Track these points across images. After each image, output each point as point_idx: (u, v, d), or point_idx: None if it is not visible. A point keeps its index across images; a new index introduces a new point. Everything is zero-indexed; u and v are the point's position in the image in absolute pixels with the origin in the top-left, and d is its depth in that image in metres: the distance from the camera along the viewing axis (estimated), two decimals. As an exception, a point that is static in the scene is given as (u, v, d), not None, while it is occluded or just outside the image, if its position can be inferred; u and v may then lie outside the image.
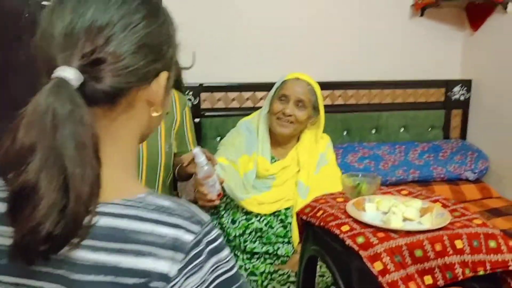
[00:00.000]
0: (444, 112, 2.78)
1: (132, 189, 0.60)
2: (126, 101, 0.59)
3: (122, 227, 0.55)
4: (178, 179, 1.66)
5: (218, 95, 2.43)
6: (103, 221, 0.55)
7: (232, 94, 2.45)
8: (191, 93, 2.36)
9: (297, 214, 1.32)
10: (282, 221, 1.65)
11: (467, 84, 2.78)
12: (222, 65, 2.44)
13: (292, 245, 1.64)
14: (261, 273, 1.58)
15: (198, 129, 2.40)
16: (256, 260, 1.64)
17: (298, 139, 1.74)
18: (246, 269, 1.59)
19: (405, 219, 1.15)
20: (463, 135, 2.84)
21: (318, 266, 1.41)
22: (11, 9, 1.58)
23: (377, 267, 1.01)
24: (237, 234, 1.63)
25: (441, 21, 2.75)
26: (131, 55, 0.57)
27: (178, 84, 1.66)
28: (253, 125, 1.74)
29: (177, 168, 1.57)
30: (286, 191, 1.66)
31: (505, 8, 2.47)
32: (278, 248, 1.63)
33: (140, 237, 0.55)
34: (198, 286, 0.55)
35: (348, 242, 1.06)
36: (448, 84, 2.76)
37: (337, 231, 1.11)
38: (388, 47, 2.68)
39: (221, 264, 0.57)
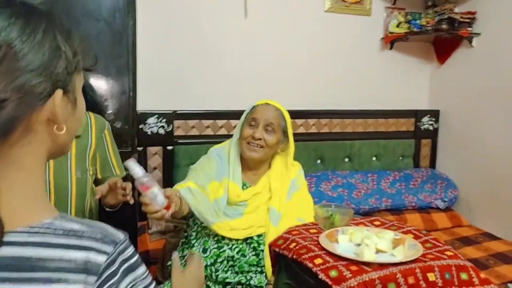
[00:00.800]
0: (414, 141, 2.85)
1: (37, 215, 0.57)
2: (21, 127, 0.56)
3: (28, 256, 0.54)
4: (108, 208, 1.57)
5: (192, 122, 2.41)
6: (5, 251, 0.53)
7: (206, 122, 2.44)
8: (164, 120, 2.34)
9: (270, 246, 1.29)
10: (254, 249, 1.61)
11: (435, 114, 2.87)
12: (196, 93, 2.45)
13: (265, 275, 1.60)
14: None
15: (171, 157, 2.37)
16: None
17: (269, 166, 1.74)
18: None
19: (378, 251, 1.14)
20: (432, 163, 2.91)
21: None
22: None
23: (350, 301, 0.99)
24: (209, 263, 1.58)
25: (409, 54, 2.85)
26: (5, 90, 0.52)
27: (96, 106, 1.60)
28: (225, 151, 1.73)
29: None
30: (258, 217, 1.63)
31: (470, 42, 2.59)
32: (251, 277, 1.58)
33: (49, 264, 0.54)
34: None
35: (321, 276, 1.04)
36: (417, 114, 2.84)
37: (310, 265, 1.08)
38: (359, 78, 2.75)
39: (138, 282, 0.57)
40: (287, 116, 1.71)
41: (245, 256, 1.59)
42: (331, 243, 1.18)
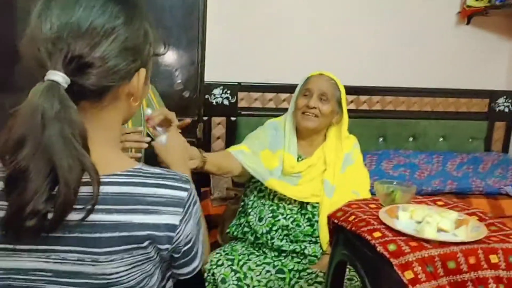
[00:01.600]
0: (487, 123, 2.70)
1: (129, 163, 0.72)
2: (111, 95, 0.68)
3: (129, 192, 0.68)
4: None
5: (255, 95, 2.46)
6: (111, 189, 0.67)
7: (269, 95, 2.47)
8: (229, 91, 2.40)
9: (329, 217, 1.32)
10: (309, 219, 1.65)
11: (512, 95, 2.68)
12: (260, 66, 2.48)
13: (320, 245, 1.64)
14: (290, 270, 1.59)
15: (234, 128, 2.44)
16: (284, 259, 1.65)
17: (325, 138, 1.75)
18: (274, 266, 1.60)
19: (439, 230, 1.13)
20: (505, 148, 2.74)
21: (347, 270, 1.40)
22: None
23: (407, 276, 1.00)
24: (264, 231, 1.65)
25: (488, 30, 2.66)
26: (114, 58, 0.65)
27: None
28: (281, 124, 1.76)
29: None
30: (312, 188, 1.67)
31: (559, 18, 2.37)
32: (305, 247, 1.64)
33: (146, 199, 0.68)
34: (193, 228, 0.73)
35: (380, 248, 1.05)
36: (492, 95, 2.68)
37: (369, 237, 1.10)
38: (431, 54, 2.63)
39: (198, 209, 0.75)
40: (341, 86, 1.72)
41: (300, 226, 1.64)
42: (391, 218, 1.18)
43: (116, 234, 0.66)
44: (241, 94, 2.44)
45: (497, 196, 2.44)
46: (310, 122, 1.66)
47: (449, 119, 2.65)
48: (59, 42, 0.62)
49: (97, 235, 0.65)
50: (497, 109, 2.69)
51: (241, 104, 2.45)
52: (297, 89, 1.74)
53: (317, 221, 1.65)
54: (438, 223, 1.14)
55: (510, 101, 2.68)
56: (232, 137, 2.45)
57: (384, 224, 1.15)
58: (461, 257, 1.02)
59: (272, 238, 1.64)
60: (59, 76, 0.61)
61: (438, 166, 2.50)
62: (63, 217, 0.61)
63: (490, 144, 2.73)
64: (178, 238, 0.71)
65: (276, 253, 1.66)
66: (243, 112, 2.45)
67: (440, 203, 1.36)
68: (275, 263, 1.62)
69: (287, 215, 1.65)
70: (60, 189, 0.59)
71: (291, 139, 1.71)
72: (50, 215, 0.60)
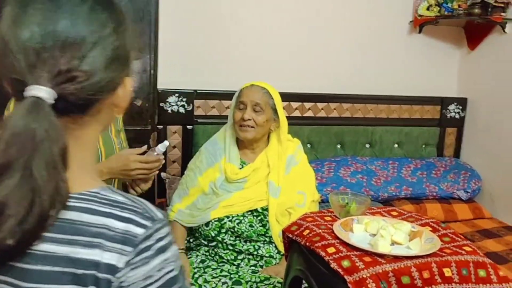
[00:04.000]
0: (439, 129, 2.77)
1: (88, 185, 0.61)
2: (95, 108, 0.61)
3: (73, 219, 0.57)
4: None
5: (212, 102, 2.40)
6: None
7: (226, 102, 2.42)
8: (184, 99, 2.34)
9: (283, 231, 1.29)
10: (261, 220, 1.68)
11: (462, 102, 2.77)
12: (217, 73, 2.43)
13: (275, 245, 1.67)
14: (247, 282, 1.56)
15: (191, 136, 2.37)
16: (241, 262, 1.65)
17: (267, 143, 1.81)
18: (231, 278, 1.58)
19: (393, 243, 1.12)
20: (456, 153, 2.82)
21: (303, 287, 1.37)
22: None
23: (362, 292, 0.98)
24: (213, 234, 1.67)
25: (439, 39, 2.74)
26: (102, 70, 0.58)
27: None
28: (220, 137, 1.83)
29: None
30: (258, 191, 1.71)
31: (504, 28, 2.47)
32: (259, 247, 1.67)
33: (91, 229, 0.57)
34: (142, 280, 0.57)
35: (333, 265, 1.03)
36: (444, 102, 2.75)
37: (323, 253, 1.07)
38: (385, 62, 2.67)
39: (168, 262, 0.59)
40: (274, 93, 1.76)
41: (252, 226, 1.68)
42: (345, 232, 1.16)
43: (48, 268, 0.55)
44: (197, 102, 2.38)
45: (450, 201, 2.51)
46: (247, 133, 1.72)
47: (403, 125, 2.70)
48: (43, 53, 0.54)
49: (26, 266, 0.55)
50: (448, 115, 2.77)
51: (198, 112, 2.39)
52: (232, 102, 1.80)
53: (268, 221, 1.68)
54: (392, 235, 1.13)
55: (460, 107, 2.77)
56: (189, 146, 2.38)
57: (338, 238, 1.13)
58: (415, 272, 1.02)
59: (223, 239, 1.67)
60: (44, 92, 0.54)
61: (394, 172, 2.54)
62: (29, 245, 0.54)
63: (443, 150, 2.80)
64: (120, 286, 0.56)
65: (233, 256, 1.66)
66: (199, 120, 2.39)
67: (394, 213, 1.36)
68: (232, 276, 1.59)
69: (233, 217, 1.68)
70: (32, 216, 0.52)
71: (231, 149, 1.77)
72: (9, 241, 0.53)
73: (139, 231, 0.57)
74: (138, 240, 0.57)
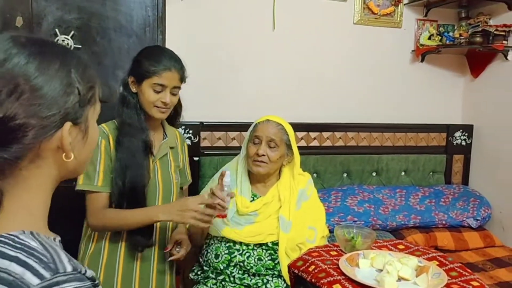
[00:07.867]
0: (446, 157, 2.76)
1: (14, 228, 0.59)
2: (32, 154, 0.60)
3: None
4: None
5: (218, 134, 2.43)
6: None
7: (232, 134, 2.45)
8: (191, 131, 2.37)
9: (289, 267, 1.28)
10: (271, 254, 1.66)
11: (468, 129, 2.77)
12: (223, 105, 2.47)
13: (283, 279, 1.64)
14: None
15: (197, 167, 2.39)
16: None
17: (279, 177, 1.80)
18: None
19: (400, 279, 1.11)
20: (465, 180, 2.80)
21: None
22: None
23: (369, 331, 0.97)
24: (222, 267, 1.65)
25: (441, 67, 2.77)
26: (23, 116, 0.57)
27: (173, 121, 1.77)
28: (233, 167, 1.82)
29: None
30: (269, 226, 1.70)
31: (506, 56, 2.49)
32: (268, 281, 1.64)
33: None
34: None
35: (340, 303, 1.02)
36: (450, 129, 2.76)
37: (329, 290, 1.07)
38: (389, 92, 2.70)
39: None
40: (289, 129, 1.78)
41: (261, 260, 1.66)
42: (351, 267, 1.16)
43: None
44: (203, 134, 2.41)
45: (460, 229, 2.47)
46: (261, 168, 1.72)
47: (409, 153, 2.69)
48: None
49: None
50: (454, 142, 2.76)
51: (204, 143, 2.42)
52: (247, 136, 1.80)
53: (278, 256, 1.66)
54: (399, 271, 1.12)
55: (466, 134, 2.77)
56: (196, 177, 2.39)
57: (344, 274, 1.12)
58: (421, 309, 1.00)
59: (232, 272, 1.65)
60: None
61: (402, 201, 2.52)
62: None
63: (450, 177, 2.78)
64: None
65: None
66: (206, 152, 2.41)
67: (401, 246, 1.35)
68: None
69: (243, 250, 1.67)
70: None
71: (243, 182, 1.77)
72: None
73: (34, 280, 0.54)
74: None
